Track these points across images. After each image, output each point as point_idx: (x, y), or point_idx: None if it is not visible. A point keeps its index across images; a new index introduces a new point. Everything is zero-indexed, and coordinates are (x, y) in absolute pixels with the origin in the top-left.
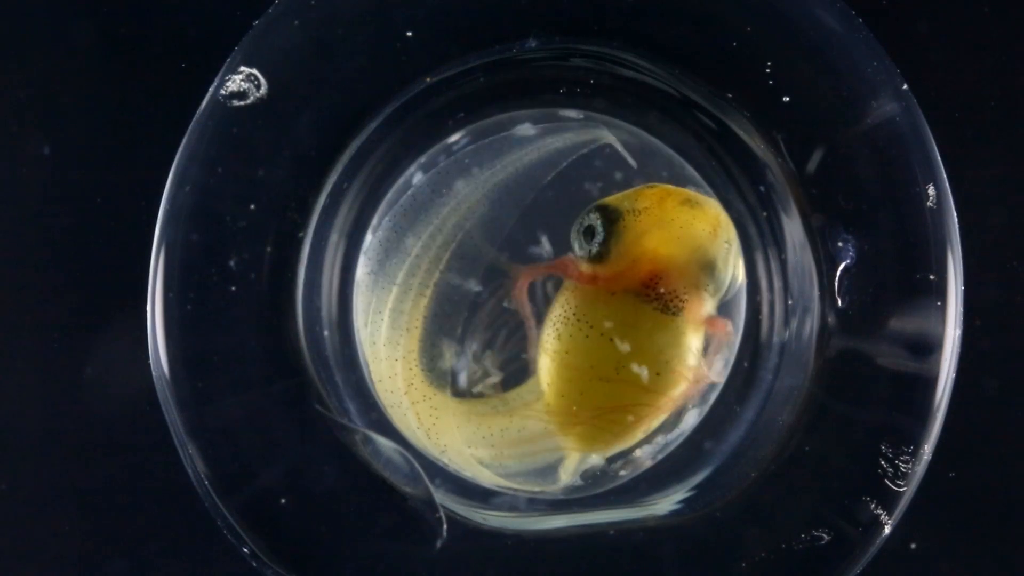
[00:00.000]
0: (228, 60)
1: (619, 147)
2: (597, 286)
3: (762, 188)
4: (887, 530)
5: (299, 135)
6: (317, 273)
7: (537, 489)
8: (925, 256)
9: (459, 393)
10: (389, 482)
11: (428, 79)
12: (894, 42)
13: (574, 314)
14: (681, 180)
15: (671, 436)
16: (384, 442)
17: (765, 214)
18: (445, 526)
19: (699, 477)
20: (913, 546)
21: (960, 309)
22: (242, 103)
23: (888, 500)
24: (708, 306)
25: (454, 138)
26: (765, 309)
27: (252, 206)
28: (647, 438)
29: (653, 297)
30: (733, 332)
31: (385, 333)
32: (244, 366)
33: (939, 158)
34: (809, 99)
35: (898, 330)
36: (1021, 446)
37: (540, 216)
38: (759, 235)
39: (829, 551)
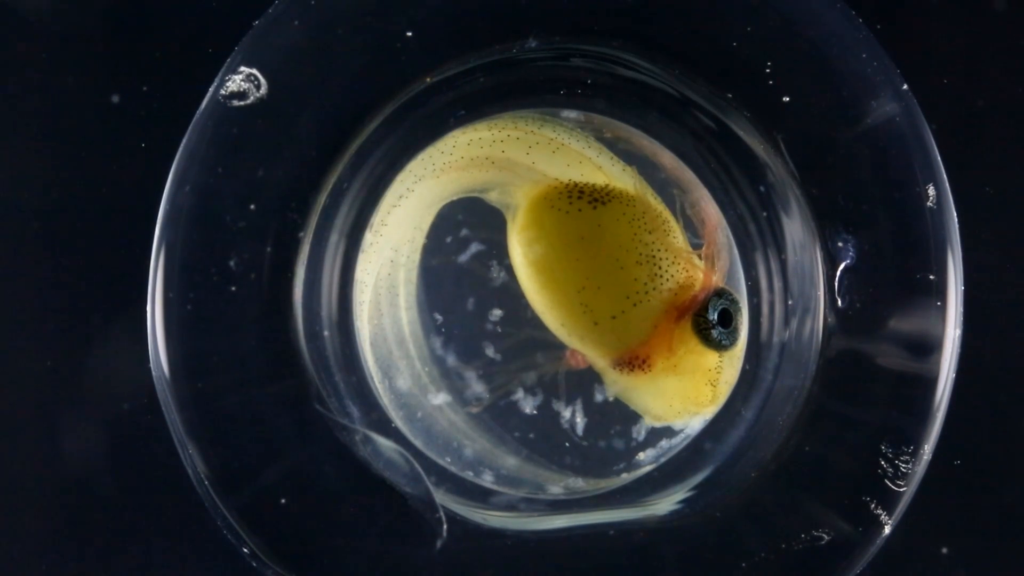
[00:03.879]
0: (228, 60)
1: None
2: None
3: (762, 188)
4: (887, 530)
5: (299, 135)
6: (317, 273)
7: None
8: (925, 256)
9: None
10: (389, 482)
11: (428, 79)
12: (894, 42)
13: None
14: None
15: (675, 440)
16: (384, 442)
17: (765, 214)
18: (445, 526)
19: (699, 477)
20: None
21: (960, 309)
22: (242, 103)
23: (888, 500)
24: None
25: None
26: (765, 309)
27: (252, 206)
28: (651, 441)
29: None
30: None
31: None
32: (244, 366)
33: (939, 158)
34: (809, 99)
35: (898, 330)
36: None
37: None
38: (759, 235)
39: (829, 551)
